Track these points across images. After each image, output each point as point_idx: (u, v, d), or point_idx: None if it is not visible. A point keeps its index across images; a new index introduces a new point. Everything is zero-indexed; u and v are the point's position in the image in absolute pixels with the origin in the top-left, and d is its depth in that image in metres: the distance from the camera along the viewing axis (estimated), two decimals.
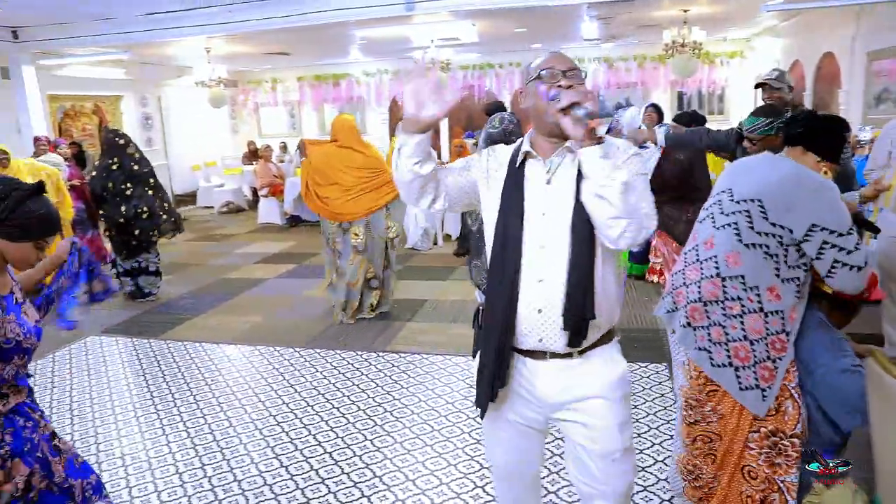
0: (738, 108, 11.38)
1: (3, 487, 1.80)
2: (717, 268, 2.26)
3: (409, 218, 8.18)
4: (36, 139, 7.55)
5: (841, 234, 2.12)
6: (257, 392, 4.15)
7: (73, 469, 2.02)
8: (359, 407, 3.86)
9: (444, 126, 12.84)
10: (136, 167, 6.32)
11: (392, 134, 12.65)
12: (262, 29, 7.66)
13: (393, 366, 4.46)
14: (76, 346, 5.17)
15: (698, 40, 8.68)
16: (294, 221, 10.52)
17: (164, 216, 6.47)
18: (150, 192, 6.37)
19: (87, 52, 9.44)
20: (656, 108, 6.21)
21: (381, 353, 4.70)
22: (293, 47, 10.67)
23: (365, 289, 5.42)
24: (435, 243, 8.30)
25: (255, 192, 12.36)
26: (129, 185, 6.23)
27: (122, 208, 6.19)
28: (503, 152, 1.90)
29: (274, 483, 3.09)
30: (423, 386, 4.12)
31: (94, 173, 6.45)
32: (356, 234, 5.24)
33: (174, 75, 12.69)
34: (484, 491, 2.93)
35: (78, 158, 8.60)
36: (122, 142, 6.36)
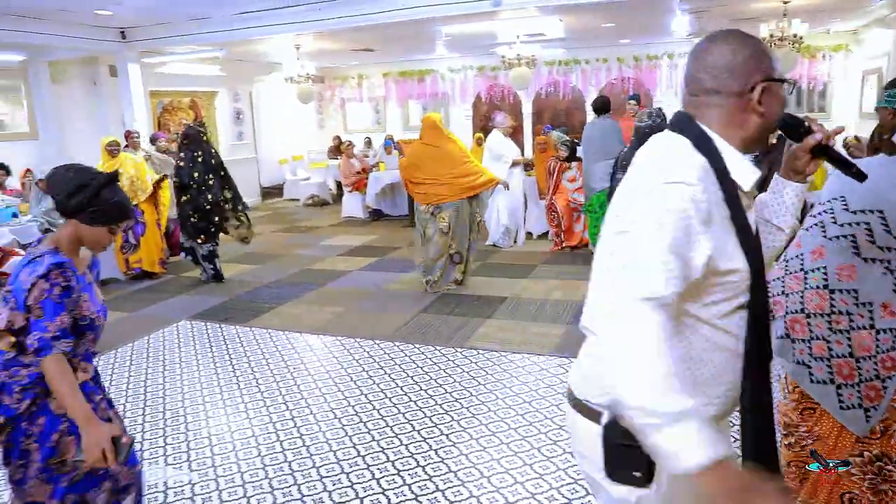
0: (842, 105, 10.73)
1: (66, 457, 1.93)
2: (825, 279, 2.09)
3: (490, 215, 8.15)
4: (128, 133, 8.00)
5: None
6: (337, 381, 4.24)
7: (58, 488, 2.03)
8: (436, 402, 3.88)
9: (527, 123, 12.73)
10: (213, 160, 6.77)
11: (476, 130, 12.66)
12: (349, 26, 7.81)
13: (471, 362, 4.46)
14: (168, 330, 5.43)
15: (799, 34, 8.22)
16: (376, 216, 10.68)
17: (241, 205, 7.02)
18: (224, 182, 6.85)
19: (186, 51, 9.90)
20: None
21: (459, 349, 4.70)
22: (379, 44, 10.81)
23: (448, 263, 6.13)
24: (515, 241, 8.22)
25: (339, 185, 12.63)
26: (210, 175, 6.69)
27: (209, 196, 6.65)
28: (704, 177, 1.31)
29: (351, 472, 3.14)
30: (501, 384, 4.09)
31: (180, 164, 6.81)
32: (443, 218, 6.00)
33: (265, 72, 13.12)
34: (559, 493, 2.87)
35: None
36: (204, 136, 6.88)
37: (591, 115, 11.96)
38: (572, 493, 2.86)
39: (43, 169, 6.88)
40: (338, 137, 13.35)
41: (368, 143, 13.43)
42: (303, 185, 12.95)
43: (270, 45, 10.25)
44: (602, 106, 7.07)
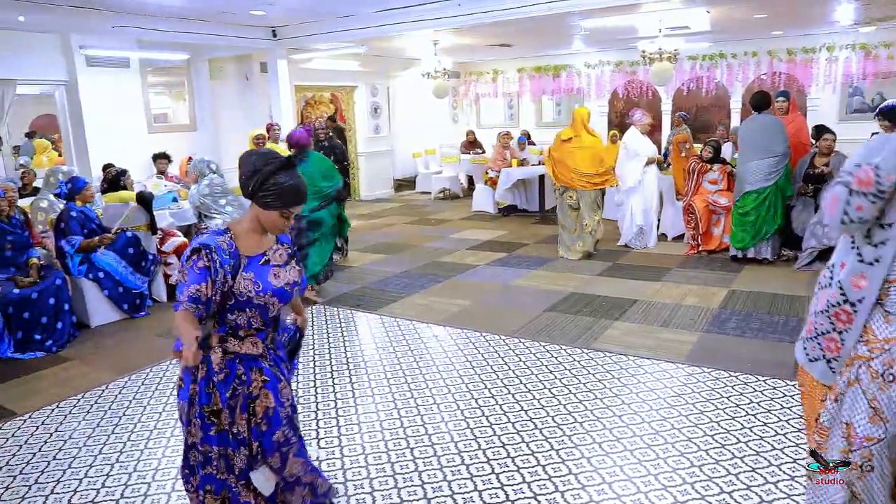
0: None
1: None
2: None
3: (624, 215, 7.91)
4: (269, 126, 8.48)
5: None
6: (461, 373, 4.28)
7: (262, 433, 2.21)
8: (559, 401, 3.82)
9: (666, 120, 12.22)
10: (337, 151, 7.24)
11: (610, 127, 12.32)
12: (489, 21, 7.83)
13: (597, 364, 4.35)
14: (310, 310, 5.71)
15: None
16: (507, 211, 10.68)
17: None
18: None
19: (330, 47, 10.35)
20: None
21: (585, 350, 4.60)
22: (516, 39, 10.77)
23: (584, 234, 7.43)
24: (647, 242, 7.92)
25: (470, 179, 12.75)
26: (346, 161, 7.25)
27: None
28: None
29: (471, 464, 3.16)
30: (627, 388, 3.96)
31: (336, 151, 7.31)
32: (570, 196, 7.45)
33: (402, 67, 13.47)
34: None
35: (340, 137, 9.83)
36: (336, 129, 7.31)
37: (735, 113, 11.40)
38: None
39: (202, 158, 7.49)
40: (471, 132, 13.46)
41: (508, 136, 13.42)
42: (434, 178, 13.18)
43: (409, 41, 10.49)
44: (762, 102, 6.63)
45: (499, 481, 3.00)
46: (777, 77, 11.02)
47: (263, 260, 2.16)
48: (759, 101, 6.66)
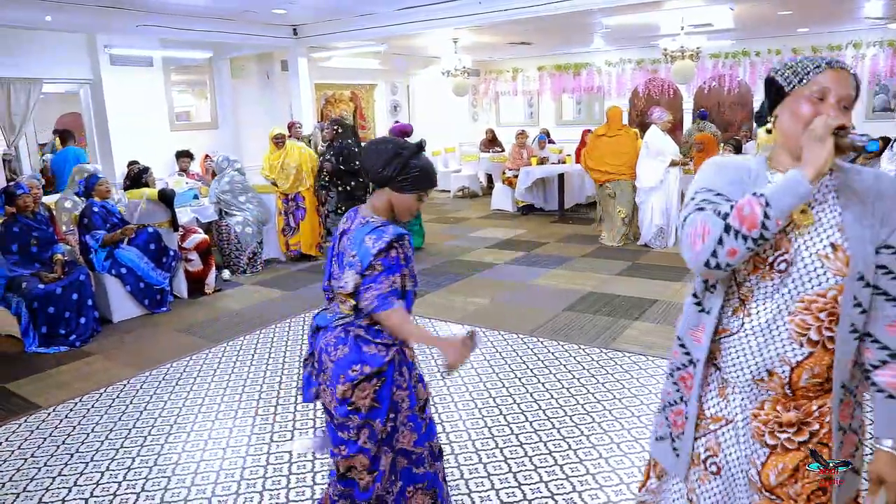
0: None
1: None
2: None
3: (644, 214, 7.85)
4: (291, 124, 8.53)
5: None
6: (479, 372, 4.27)
7: (421, 435, 2.27)
8: (577, 401, 3.80)
9: (687, 119, 12.11)
10: (345, 152, 7.24)
11: (631, 125, 12.24)
12: (509, 19, 7.81)
13: (616, 364, 4.32)
14: None
15: None
16: (527, 210, 10.65)
17: None
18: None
19: (350, 45, 10.38)
20: None
21: (604, 350, 4.57)
22: (536, 37, 10.74)
23: (620, 222, 8.00)
24: (667, 243, 7.85)
25: (489, 178, 12.72)
26: (356, 162, 7.16)
27: (359, 180, 7.26)
28: None
29: (488, 462, 3.16)
30: (647, 389, 3.93)
31: (355, 150, 7.29)
32: (608, 186, 8.06)
33: (422, 65, 13.48)
34: None
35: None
36: (352, 128, 7.52)
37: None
38: None
39: (221, 155, 7.56)
40: (491, 130, 13.44)
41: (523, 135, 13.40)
42: (454, 176, 13.18)
43: (429, 39, 10.50)
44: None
45: (516, 480, 2.99)
46: None
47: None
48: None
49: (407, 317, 2.09)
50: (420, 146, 2.16)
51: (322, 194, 7.62)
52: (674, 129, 8.29)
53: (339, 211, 7.42)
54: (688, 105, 12.18)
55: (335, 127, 7.35)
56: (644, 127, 8.37)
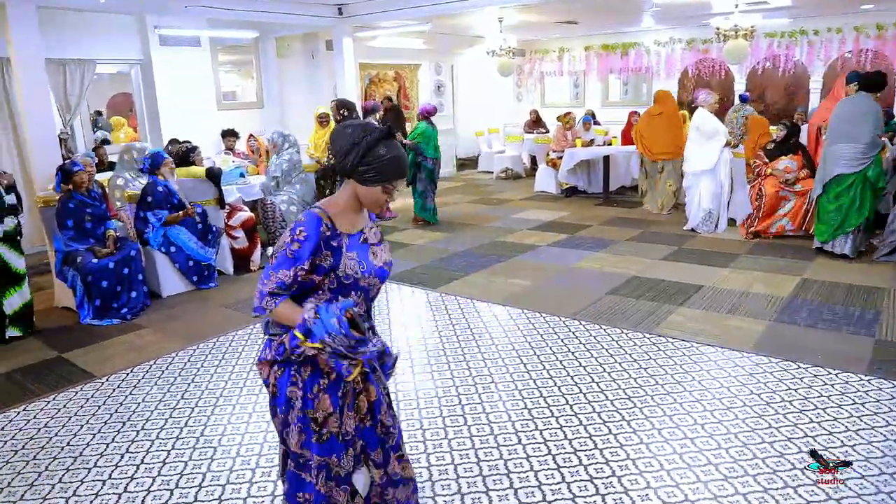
0: None
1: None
2: None
3: (692, 198, 7.68)
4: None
5: None
6: (520, 353, 4.27)
7: (365, 428, 2.10)
8: (618, 385, 3.77)
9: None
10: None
11: (680, 107, 11.96)
12: None
13: (658, 349, 4.26)
14: None
15: None
16: (570, 192, 10.53)
17: None
18: None
19: (395, 25, 10.36)
20: None
21: (647, 335, 4.51)
22: (584, 15, 10.54)
23: (670, 195, 8.77)
24: (716, 227, 7.67)
25: (533, 159, 12.60)
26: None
27: None
28: None
29: (528, 444, 3.16)
30: (690, 375, 3.87)
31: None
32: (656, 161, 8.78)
33: (467, 45, 13.37)
34: (746, 500, 2.67)
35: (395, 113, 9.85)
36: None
37: (814, 94, 10.86)
38: (760, 503, 2.65)
39: (268, 133, 7.64)
40: (535, 111, 13.29)
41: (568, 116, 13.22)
42: (497, 157, 13.10)
43: (474, 18, 10.40)
44: (876, 82, 6.05)
45: (555, 462, 2.99)
46: (863, 55, 10.39)
47: (362, 239, 2.03)
48: (873, 81, 6.07)
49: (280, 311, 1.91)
50: (389, 131, 1.94)
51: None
52: (720, 111, 8.06)
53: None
54: (739, 86, 11.83)
55: (341, 110, 7.16)
56: (693, 110, 8.17)
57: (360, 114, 8.63)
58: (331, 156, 6.94)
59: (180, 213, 5.87)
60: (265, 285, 1.90)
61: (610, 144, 10.69)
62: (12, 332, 4.95)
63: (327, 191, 7.00)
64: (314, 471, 2.01)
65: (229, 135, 8.46)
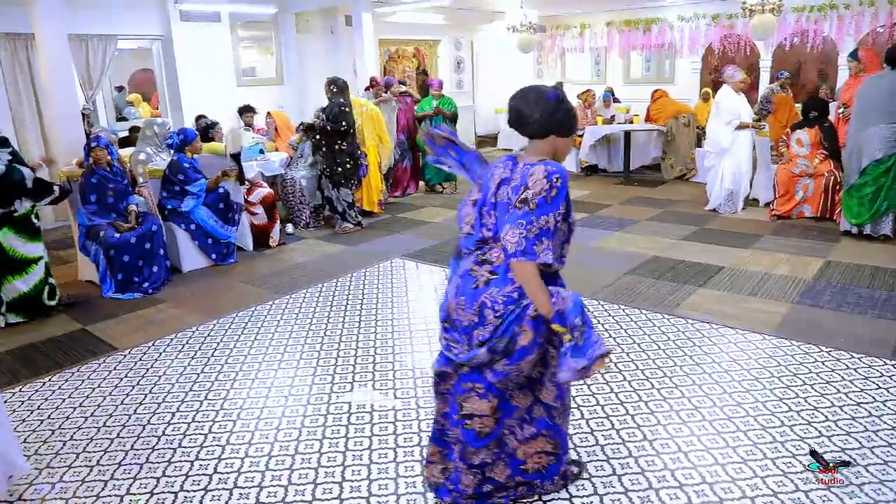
0: None
1: None
2: None
3: (713, 178, 7.57)
4: (373, 81, 8.55)
5: None
6: None
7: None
8: (637, 366, 3.75)
9: (765, 77, 11.54)
10: (347, 108, 7.02)
11: (703, 85, 11.77)
12: None
13: (678, 330, 4.23)
14: (384, 265, 5.83)
15: None
16: (590, 171, 10.44)
17: None
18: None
19: (414, 0, 10.26)
20: None
21: (667, 316, 4.48)
22: None
23: (687, 159, 9.52)
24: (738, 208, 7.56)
25: None
26: (343, 122, 6.95)
27: (347, 141, 7.10)
28: None
29: None
30: (709, 357, 3.84)
31: (345, 109, 7.03)
32: (683, 115, 9.51)
33: (487, 20, 13.21)
34: (764, 483, 2.65)
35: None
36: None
37: (843, 70, 10.60)
38: (779, 486, 2.62)
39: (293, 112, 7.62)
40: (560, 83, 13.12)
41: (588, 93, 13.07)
42: (517, 136, 12.93)
43: None
44: None
45: (572, 442, 2.99)
46: None
47: None
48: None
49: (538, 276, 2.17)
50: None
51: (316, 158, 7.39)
52: (749, 90, 7.88)
53: (326, 173, 7.10)
54: (765, 63, 11.59)
55: (331, 86, 7.08)
56: (717, 87, 8.01)
57: (383, 86, 8.62)
58: (324, 117, 6.89)
59: (219, 174, 5.98)
60: (528, 230, 2.05)
61: (632, 122, 10.56)
62: (12, 318, 4.76)
63: (323, 149, 7.06)
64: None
65: (246, 111, 8.46)
